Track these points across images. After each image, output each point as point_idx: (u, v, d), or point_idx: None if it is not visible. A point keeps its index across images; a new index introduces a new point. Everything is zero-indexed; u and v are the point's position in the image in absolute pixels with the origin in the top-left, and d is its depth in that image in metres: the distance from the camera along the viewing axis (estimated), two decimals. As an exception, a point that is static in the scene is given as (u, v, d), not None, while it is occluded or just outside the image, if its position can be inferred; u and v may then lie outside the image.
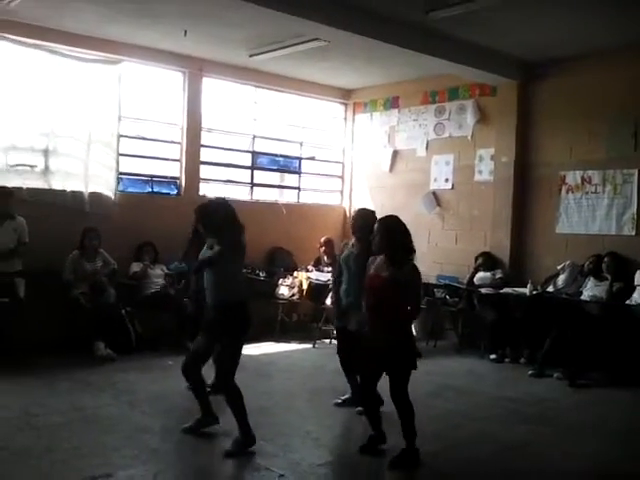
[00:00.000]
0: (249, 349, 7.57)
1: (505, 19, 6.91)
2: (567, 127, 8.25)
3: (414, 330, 8.56)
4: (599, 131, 7.96)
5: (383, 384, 4.63)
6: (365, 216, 5.62)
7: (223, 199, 4.94)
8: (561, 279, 7.81)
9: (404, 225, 4.62)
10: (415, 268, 4.56)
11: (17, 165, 7.66)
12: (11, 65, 7.58)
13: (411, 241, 4.61)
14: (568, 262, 7.87)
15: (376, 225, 4.70)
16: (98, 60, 8.15)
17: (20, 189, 7.47)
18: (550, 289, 7.79)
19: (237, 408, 4.58)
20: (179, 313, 7.34)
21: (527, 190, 8.64)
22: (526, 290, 7.74)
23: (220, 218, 4.67)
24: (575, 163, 8.19)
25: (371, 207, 6.18)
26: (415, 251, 4.63)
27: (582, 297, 7.43)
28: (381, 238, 4.57)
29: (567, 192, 8.26)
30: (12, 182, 7.48)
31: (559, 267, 7.89)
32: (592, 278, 7.53)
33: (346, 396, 5.81)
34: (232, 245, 4.64)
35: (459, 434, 5.22)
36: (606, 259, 7.48)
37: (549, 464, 4.64)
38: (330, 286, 8.33)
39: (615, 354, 6.79)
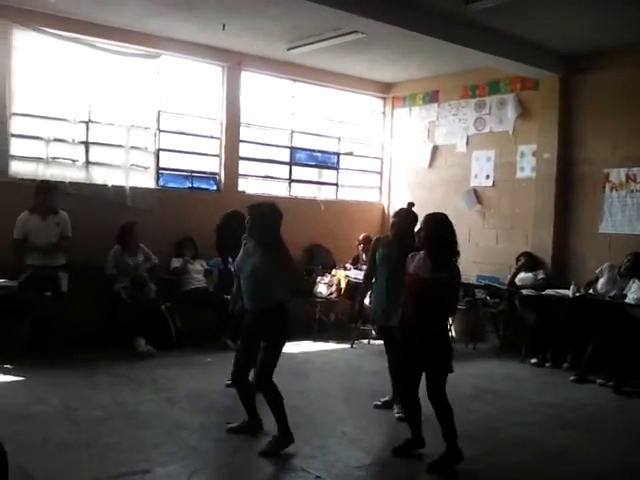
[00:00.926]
0: (286, 347, 7.52)
1: (545, 10, 6.76)
2: (611, 123, 8.05)
3: (453, 331, 8.59)
4: (644, 127, 7.74)
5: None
6: (405, 218, 5.58)
7: (273, 203, 4.87)
8: (600, 282, 7.58)
9: (451, 224, 4.52)
10: (457, 270, 4.50)
11: (59, 158, 7.77)
12: (51, 59, 7.67)
13: (457, 242, 4.51)
14: (606, 265, 7.63)
15: (423, 221, 4.62)
16: (137, 54, 8.23)
17: (63, 183, 7.57)
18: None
19: (276, 407, 4.59)
20: (219, 310, 7.36)
21: (570, 188, 8.47)
22: (569, 292, 7.57)
23: (272, 221, 4.68)
24: (619, 160, 7.99)
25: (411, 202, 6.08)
26: (459, 253, 4.55)
27: (626, 300, 7.23)
28: (427, 235, 4.49)
29: (611, 190, 8.07)
30: (55, 175, 7.61)
31: (597, 271, 7.68)
32: (637, 280, 7.31)
33: (386, 398, 5.76)
34: (280, 251, 4.65)
35: (498, 439, 5.16)
36: None
37: (588, 471, 4.56)
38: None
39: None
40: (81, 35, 7.76)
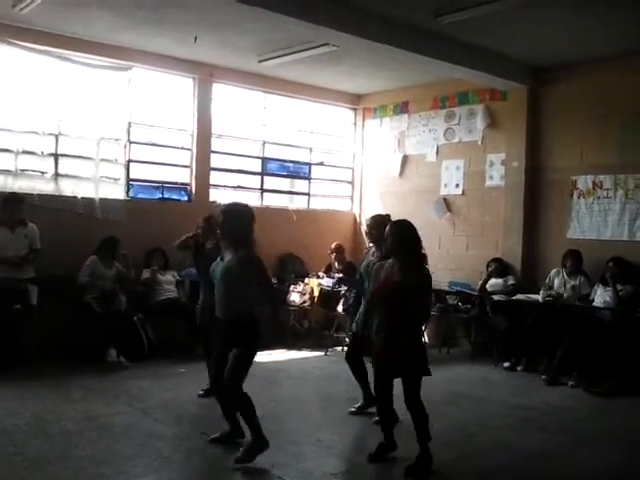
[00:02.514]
0: (260, 356, 7.47)
1: (514, 24, 6.89)
2: (578, 131, 8.21)
3: (426, 337, 8.63)
4: (610, 135, 7.92)
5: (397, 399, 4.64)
6: (381, 223, 5.60)
7: (246, 205, 4.82)
8: (555, 288, 7.78)
9: (415, 229, 4.64)
10: (427, 272, 4.59)
11: (28, 170, 7.69)
12: (22, 71, 7.60)
13: (422, 247, 4.63)
14: (553, 271, 7.89)
15: (388, 228, 4.72)
16: (108, 66, 8.19)
17: (31, 195, 7.50)
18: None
19: (248, 413, 4.53)
20: (191, 320, 7.29)
21: (538, 195, 8.61)
22: (539, 297, 7.70)
23: (246, 225, 4.61)
24: (586, 168, 8.15)
25: (382, 212, 6.16)
26: (427, 256, 4.64)
27: (594, 304, 7.38)
28: (393, 241, 4.58)
29: (578, 197, 8.22)
30: (23, 187, 7.54)
31: (546, 281, 7.87)
32: (601, 284, 7.47)
33: (359, 403, 5.80)
34: (251, 256, 4.59)
35: (474, 442, 5.19)
36: (610, 264, 7.41)
37: (565, 473, 4.60)
38: (342, 293, 8.36)
39: (630, 361, 6.71)
40: (51, 47, 7.71)
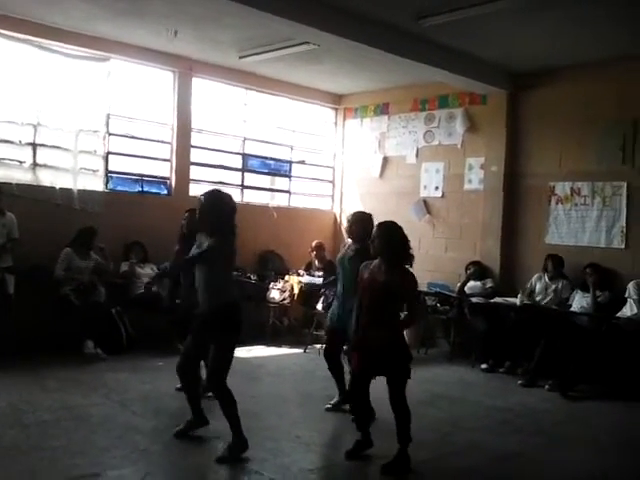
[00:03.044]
0: (239, 352, 7.44)
1: (495, 28, 6.95)
2: (557, 138, 8.31)
3: (405, 337, 8.67)
4: (588, 143, 8.02)
5: (377, 396, 4.66)
6: (362, 220, 5.65)
7: (228, 194, 4.75)
8: (537, 292, 7.86)
9: (402, 230, 4.66)
10: (411, 274, 4.61)
11: (5, 159, 7.59)
12: (1, 59, 7.50)
13: (410, 247, 4.64)
14: (534, 277, 7.96)
15: (375, 229, 4.73)
16: (86, 57, 8.10)
17: (9, 184, 7.39)
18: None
19: (230, 411, 4.51)
20: (169, 313, 7.27)
21: (517, 200, 8.70)
22: (516, 300, 7.78)
23: (224, 212, 4.56)
24: (565, 174, 8.26)
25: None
26: (414, 257, 4.66)
27: (572, 309, 7.48)
28: (380, 242, 4.59)
29: (556, 203, 8.32)
30: (0, 176, 7.43)
31: (528, 285, 7.96)
32: (579, 290, 7.58)
33: (335, 400, 5.83)
34: (227, 244, 4.55)
35: (450, 442, 5.21)
36: (588, 270, 7.53)
37: (540, 475, 4.64)
38: (321, 291, 8.38)
39: (606, 366, 6.79)
40: (30, 36, 7.60)
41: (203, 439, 4.83)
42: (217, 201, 4.61)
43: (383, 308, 4.51)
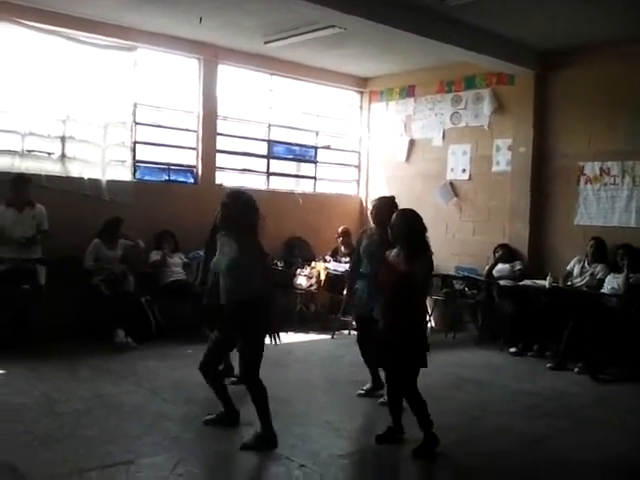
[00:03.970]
0: (267, 339, 7.56)
1: (522, 6, 6.83)
2: (585, 117, 8.17)
3: (432, 321, 8.68)
4: (618, 122, 7.88)
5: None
6: (386, 205, 5.63)
7: (249, 194, 4.75)
8: (575, 275, 7.77)
9: (421, 219, 4.64)
10: (429, 262, 4.60)
11: (34, 151, 7.69)
12: (27, 51, 7.58)
13: (427, 236, 4.63)
14: (574, 259, 7.85)
15: (394, 216, 4.72)
16: (113, 46, 8.16)
17: (38, 176, 7.50)
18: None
19: (261, 405, 4.50)
20: (199, 302, 7.33)
21: (545, 181, 8.58)
22: (545, 283, 7.69)
23: (248, 213, 4.55)
24: (593, 154, 8.12)
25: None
26: (430, 247, 4.64)
27: (603, 290, 7.36)
28: (398, 230, 4.59)
29: (585, 183, 8.19)
30: (30, 168, 7.54)
31: (568, 267, 7.86)
32: (611, 272, 7.45)
33: (367, 386, 5.83)
34: (254, 245, 4.56)
35: (478, 427, 5.21)
36: (620, 251, 7.43)
37: (568, 458, 4.59)
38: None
39: (636, 348, 6.70)
40: (57, 27, 7.67)
41: (234, 426, 4.85)
42: (241, 203, 4.59)
43: (400, 297, 4.50)
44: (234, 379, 5.44)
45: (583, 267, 7.74)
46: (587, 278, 7.63)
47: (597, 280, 7.54)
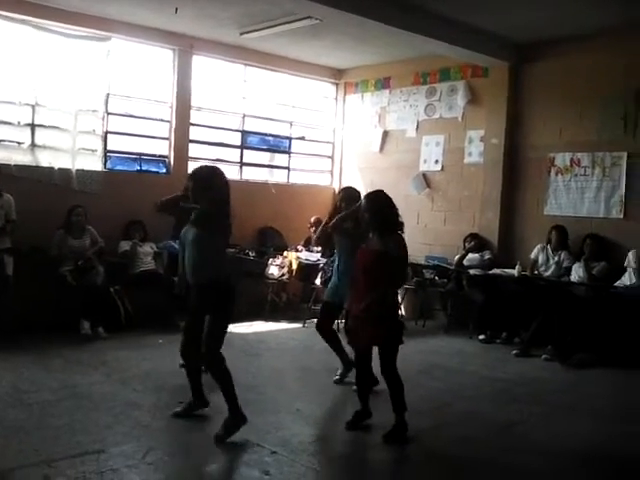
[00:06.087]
0: (238, 328, 7.63)
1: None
2: (557, 109, 8.24)
3: (402, 310, 8.71)
4: (589, 113, 7.96)
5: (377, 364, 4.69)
6: (351, 196, 5.69)
7: (219, 168, 4.74)
8: (540, 264, 7.86)
9: (390, 199, 4.69)
10: (401, 238, 4.63)
11: (4, 141, 7.59)
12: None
13: (398, 214, 4.67)
14: (536, 248, 7.94)
15: (364, 199, 4.78)
16: (86, 37, 8.06)
17: (7, 165, 7.42)
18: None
19: (225, 386, 4.49)
20: (168, 291, 7.32)
21: (516, 172, 8.65)
22: (514, 271, 7.78)
23: (219, 187, 4.52)
24: (564, 145, 8.19)
25: (360, 187, 6.23)
26: (403, 224, 4.69)
27: (571, 279, 7.48)
28: (370, 213, 4.63)
29: (556, 174, 8.27)
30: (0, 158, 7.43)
31: (532, 255, 7.94)
32: (576, 261, 7.58)
33: (340, 371, 5.89)
34: (223, 219, 4.53)
35: (449, 412, 5.28)
36: (587, 241, 7.55)
37: (538, 444, 4.66)
38: (320, 266, 8.41)
39: (604, 335, 6.81)
40: (29, 17, 7.56)
41: (205, 415, 4.86)
42: (212, 175, 4.58)
43: (376, 276, 4.52)
44: (181, 362, 5.45)
45: (547, 255, 7.84)
46: (553, 267, 7.73)
47: (564, 269, 7.66)
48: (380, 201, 4.67)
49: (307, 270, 8.66)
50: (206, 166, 4.80)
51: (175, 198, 4.75)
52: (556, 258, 7.76)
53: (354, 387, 5.36)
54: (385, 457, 4.47)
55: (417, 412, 4.76)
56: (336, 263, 5.82)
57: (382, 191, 4.77)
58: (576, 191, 8.09)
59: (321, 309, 6.04)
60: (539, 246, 7.96)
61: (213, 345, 4.49)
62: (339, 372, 5.89)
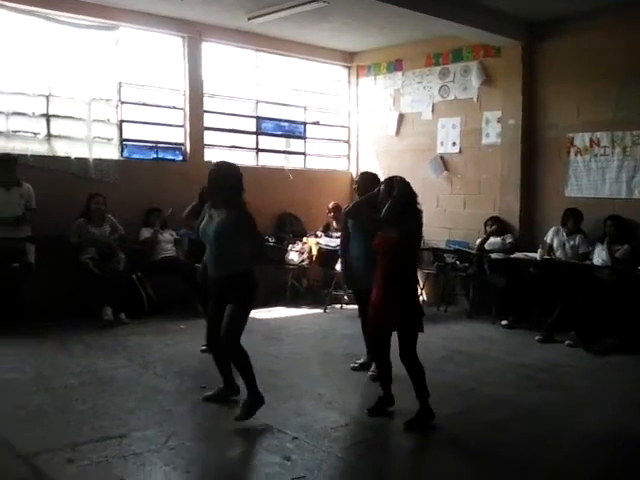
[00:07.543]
0: (260, 314, 7.64)
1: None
2: (574, 88, 8.09)
3: (424, 295, 8.69)
4: (607, 92, 7.80)
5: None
6: (369, 179, 5.62)
7: (234, 164, 4.74)
8: (555, 247, 7.74)
9: (409, 185, 4.62)
10: (417, 220, 4.61)
11: (20, 132, 7.63)
12: (9, 32, 7.50)
13: (416, 202, 4.60)
14: (550, 231, 7.81)
15: (382, 183, 4.71)
16: (94, 26, 8.05)
17: (25, 156, 7.46)
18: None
19: (243, 370, 4.51)
20: (189, 278, 7.34)
21: (535, 153, 8.53)
22: (537, 255, 7.69)
23: (236, 183, 4.54)
24: (583, 124, 8.06)
25: (378, 172, 6.16)
26: (422, 211, 4.65)
27: (594, 262, 7.35)
28: (387, 198, 4.56)
29: (576, 154, 8.14)
30: (17, 149, 7.48)
31: (546, 239, 7.81)
32: (599, 243, 7.44)
33: (362, 360, 5.83)
34: (246, 215, 4.53)
35: (472, 398, 5.22)
36: (608, 222, 7.39)
37: (562, 430, 4.58)
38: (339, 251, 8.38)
39: (628, 320, 6.67)
40: (37, 8, 7.56)
41: (226, 401, 4.85)
42: (226, 173, 4.58)
43: (398, 261, 4.49)
44: (203, 347, 5.56)
45: (562, 239, 7.72)
46: (568, 251, 7.61)
47: (581, 255, 7.54)
48: (395, 186, 4.59)
49: (327, 255, 8.65)
50: (221, 164, 4.72)
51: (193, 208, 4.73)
52: (571, 242, 7.64)
53: (370, 373, 5.37)
54: (407, 443, 4.42)
55: (440, 398, 4.72)
56: (355, 251, 5.69)
57: (400, 177, 4.69)
58: (597, 172, 7.97)
59: (356, 298, 5.98)
60: (554, 229, 7.83)
61: (233, 332, 4.49)
62: (360, 360, 5.82)
